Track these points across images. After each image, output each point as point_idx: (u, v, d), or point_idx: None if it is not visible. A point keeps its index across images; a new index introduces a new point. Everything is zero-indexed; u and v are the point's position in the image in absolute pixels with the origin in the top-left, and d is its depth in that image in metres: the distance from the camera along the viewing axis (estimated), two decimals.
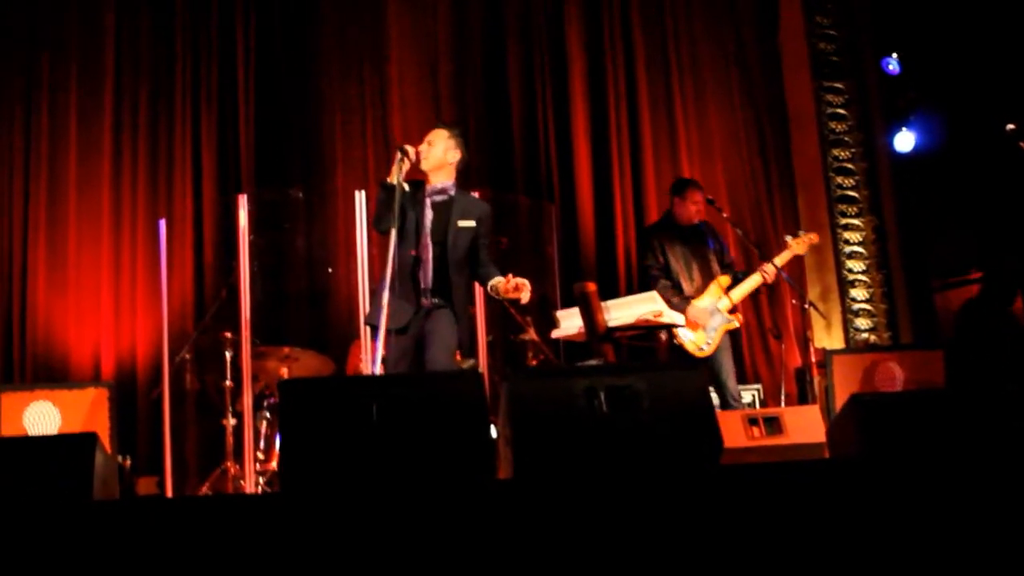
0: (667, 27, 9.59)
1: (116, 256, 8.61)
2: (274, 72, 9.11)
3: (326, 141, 9.10)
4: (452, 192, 5.83)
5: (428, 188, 5.81)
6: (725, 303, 7.14)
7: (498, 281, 5.71)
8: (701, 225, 7.37)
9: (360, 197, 7.21)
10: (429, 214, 5.75)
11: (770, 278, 7.21)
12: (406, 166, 5.65)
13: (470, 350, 7.18)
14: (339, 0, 9.28)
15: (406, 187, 5.66)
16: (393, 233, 5.48)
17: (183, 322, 8.23)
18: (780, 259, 7.31)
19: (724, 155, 9.45)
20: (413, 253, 5.66)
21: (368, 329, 5.97)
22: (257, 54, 9.06)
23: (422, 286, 5.67)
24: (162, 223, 7.74)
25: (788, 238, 7.47)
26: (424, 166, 5.79)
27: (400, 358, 5.62)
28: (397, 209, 5.51)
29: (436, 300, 5.69)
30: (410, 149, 5.69)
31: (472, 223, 5.76)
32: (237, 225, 7.31)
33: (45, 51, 8.79)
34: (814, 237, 7.50)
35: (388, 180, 5.64)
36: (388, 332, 5.49)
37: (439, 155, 5.82)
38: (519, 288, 5.61)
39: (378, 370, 5.31)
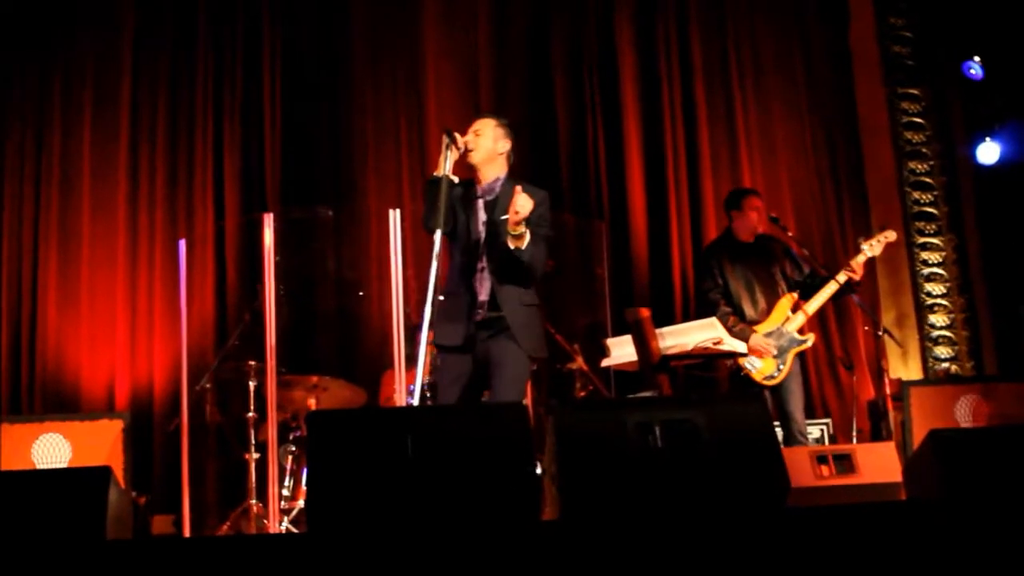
0: (727, 31, 9.59)
1: (132, 279, 8.68)
2: (301, 85, 9.18)
3: (357, 157, 9.14)
4: (500, 186, 5.61)
5: (479, 188, 5.63)
6: (794, 324, 7.03)
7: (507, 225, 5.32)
8: (767, 239, 7.28)
9: (394, 216, 7.24)
10: (482, 216, 5.56)
11: (858, 275, 7.04)
12: (454, 155, 5.47)
13: None
14: (372, 11, 9.35)
15: (455, 179, 5.50)
16: (439, 234, 5.30)
17: (203, 349, 8.27)
18: (855, 263, 7.18)
19: (790, 169, 9.41)
20: (467, 263, 5.50)
21: (431, 349, 5.67)
22: (283, 66, 9.14)
23: (479, 298, 5.47)
24: (182, 244, 7.80)
25: (861, 240, 7.29)
26: (474, 159, 5.59)
27: (455, 380, 5.44)
28: (444, 204, 5.33)
29: (492, 314, 5.45)
30: (458, 136, 5.51)
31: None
32: (262, 245, 7.35)
33: (58, 65, 8.92)
34: (891, 235, 7.25)
35: (435, 173, 5.49)
36: (440, 349, 5.42)
37: (489, 145, 5.61)
38: (514, 204, 5.24)
39: (414, 400, 5.29)
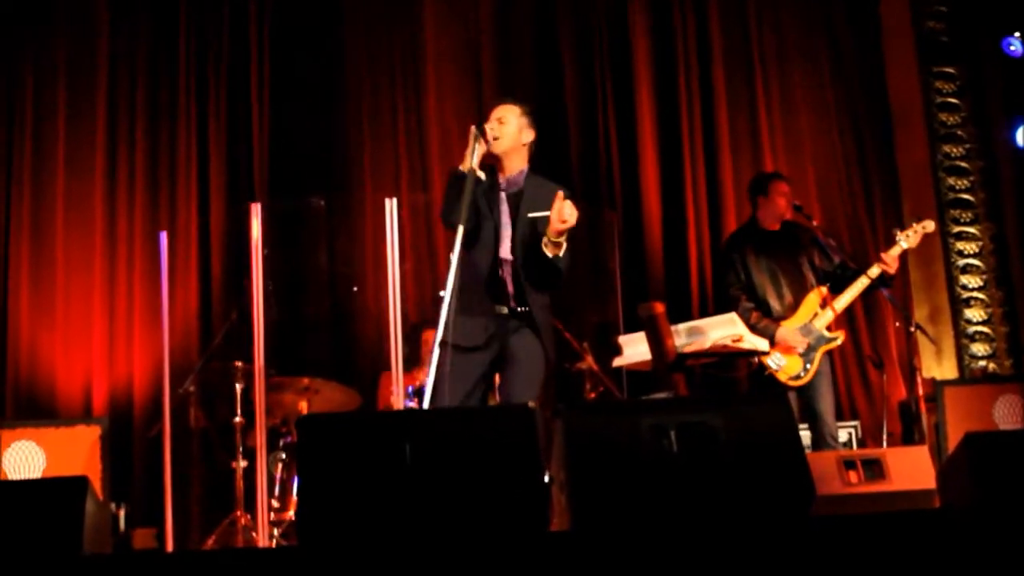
0: (747, 6, 9.58)
1: (110, 275, 8.69)
2: (291, 66, 9.19)
3: (351, 143, 9.15)
4: (524, 179, 5.71)
5: (503, 179, 5.71)
6: (823, 319, 7.02)
7: (547, 231, 5.38)
8: (793, 227, 7.26)
9: (390, 205, 7.23)
10: (506, 209, 5.64)
11: (892, 268, 7.01)
12: (482, 149, 5.49)
13: None
14: None
15: (481, 175, 5.51)
16: (461, 230, 5.31)
17: (187, 350, 8.29)
18: (888, 256, 7.13)
19: (815, 154, 9.41)
20: (491, 256, 5.56)
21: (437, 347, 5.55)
22: (272, 47, 9.14)
23: (510, 291, 5.57)
24: (163, 236, 7.79)
25: (896, 231, 7.26)
26: (496, 149, 5.62)
27: (462, 379, 5.41)
28: (467, 201, 5.35)
29: (521, 308, 5.56)
30: (488, 128, 5.55)
31: (545, 213, 5.46)
32: (249, 238, 7.35)
33: (30, 48, 8.92)
34: (928, 225, 7.21)
35: (459, 167, 5.50)
36: (456, 349, 5.37)
37: (513, 134, 5.67)
38: (561, 213, 5.31)
39: (413, 403, 5.29)
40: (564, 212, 5.31)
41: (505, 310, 5.55)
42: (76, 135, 8.84)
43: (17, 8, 8.92)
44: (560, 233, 5.36)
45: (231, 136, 9.02)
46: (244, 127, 9.03)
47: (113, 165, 8.85)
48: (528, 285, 5.55)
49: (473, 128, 5.52)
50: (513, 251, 5.57)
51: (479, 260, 5.55)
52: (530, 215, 5.55)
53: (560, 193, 5.37)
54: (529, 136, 5.72)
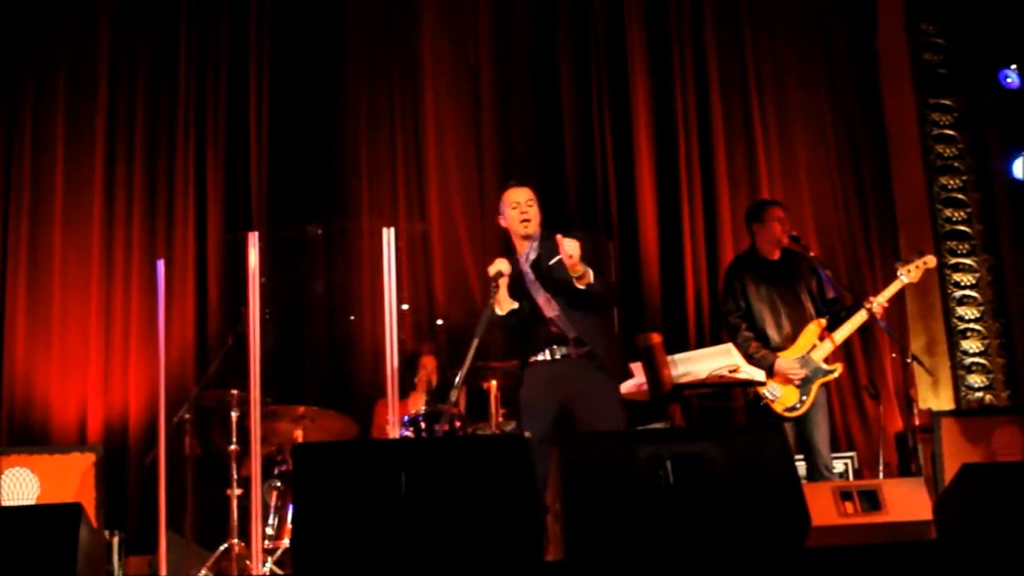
0: (745, 38, 9.60)
1: (107, 301, 8.69)
2: (290, 94, 9.21)
3: (349, 171, 9.16)
4: (536, 246, 6.20)
5: (520, 259, 6.18)
6: (822, 351, 6.99)
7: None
8: (793, 256, 7.24)
9: (388, 234, 7.23)
10: (532, 278, 6.12)
11: (880, 312, 7.02)
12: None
13: (514, 411, 7.17)
14: (368, 22, 9.38)
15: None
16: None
17: (183, 377, 8.28)
18: (889, 291, 7.09)
19: (812, 185, 9.41)
20: (535, 324, 6.07)
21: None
22: (271, 75, 9.17)
23: (570, 337, 6.03)
24: (160, 264, 7.78)
25: (898, 266, 7.24)
26: (531, 229, 6.17)
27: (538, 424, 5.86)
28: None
29: (583, 348, 6.04)
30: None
31: (559, 257, 5.94)
32: (246, 266, 7.34)
33: (30, 73, 8.94)
34: (930, 260, 7.20)
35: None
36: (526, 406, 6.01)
37: (538, 215, 6.21)
38: (564, 251, 5.78)
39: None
40: (566, 248, 5.75)
41: (573, 354, 6.03)
42: (75, 162, 8.86)
43: (18, 32, 8.94)
44: (575, 266, 5.78)
45: (229, 164, 9.03)
46: (242, 155, 9.04)
47: (111, 193, 8.87)
48: (582, 323, 6.02)
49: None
50: (559, 305, 6.05)
51: (529, 335, 6.09)
52: (550, 264, 6.03)
53: (558, 236, 5.82)
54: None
